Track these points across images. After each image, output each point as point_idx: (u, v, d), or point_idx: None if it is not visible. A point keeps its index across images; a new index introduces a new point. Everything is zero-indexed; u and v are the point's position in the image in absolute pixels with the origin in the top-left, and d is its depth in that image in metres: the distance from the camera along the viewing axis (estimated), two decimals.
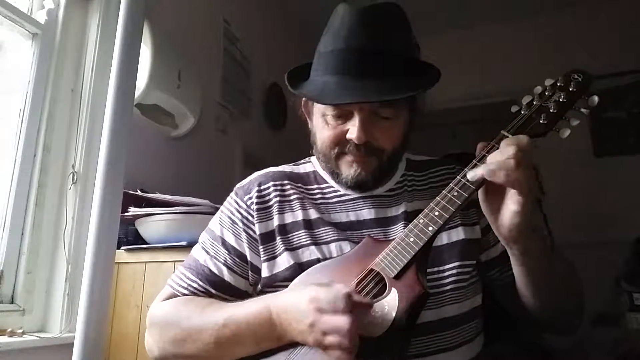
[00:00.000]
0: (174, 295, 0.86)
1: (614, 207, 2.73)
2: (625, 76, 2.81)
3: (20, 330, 1.19)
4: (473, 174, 0.70)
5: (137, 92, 1.49)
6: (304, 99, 0.91)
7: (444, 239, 0.83)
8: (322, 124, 0.85)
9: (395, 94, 0.79)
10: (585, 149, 2.85)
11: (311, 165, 0.97)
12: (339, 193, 0.90)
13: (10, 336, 1.16)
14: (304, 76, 0.89)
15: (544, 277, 0.76)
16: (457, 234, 0.85)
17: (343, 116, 0.82)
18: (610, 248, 2.46)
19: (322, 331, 0.64)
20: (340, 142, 0.83)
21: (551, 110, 0.74)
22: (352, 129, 0.80)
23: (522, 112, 0.76)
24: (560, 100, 0.74)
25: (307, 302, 0.66)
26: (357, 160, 0.83)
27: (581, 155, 2.79)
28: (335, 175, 0.87)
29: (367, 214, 0.87)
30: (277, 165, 0.97)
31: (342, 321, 0.62)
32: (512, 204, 0.67)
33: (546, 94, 0.76)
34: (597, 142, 2.86)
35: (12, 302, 1.26)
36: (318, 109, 0.86)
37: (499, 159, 0.67)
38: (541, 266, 0.75)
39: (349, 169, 0.84)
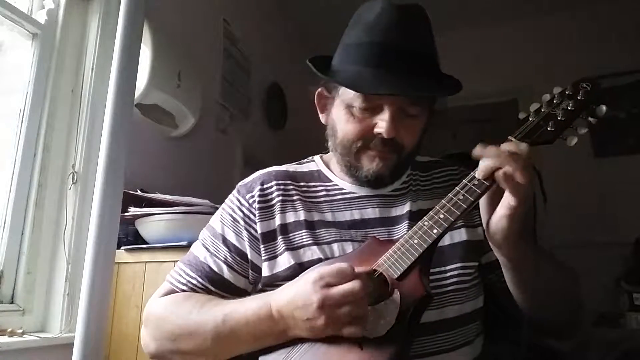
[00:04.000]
0: (172, 291, 0.86)
1: (614, 207, 2.73)
2: (624, 76, 2.80)
3: (20, 330, 1.19)
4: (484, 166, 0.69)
5: (137, 92, 1.49)
6: (319, 89, 0.91)
7: (446, 239, 0.83)
8: (346, 116, 0.84)
9: (434, 91, 0.81)
10: (585, 149, 2.85)
11: (314, 164, 0.97)
12: (344, 191, 0.90)
13: (10, 336, 1.16)
14: (323, 67, 0.87)
15: (532, 284, 0.77)
16: (460, 235, 0.85)
17: (370, 109, 0.82)
18: (610, 248, 2.46)
19: (334, 305, 0.64)
20: (365, 136, 0.83)
21: (559, 118, 0.74)
22: (382, 124, 0.80)
23: (530, 119, 0.76)
24: (569, 108, 0.74)
25: (312, 283, 0.66)
26: (380, 155, 0.83)
27: (581, 155, 2.79)
28: (354, 169, 0.86)
29: (371, 212, 0.87)
30: (278, 165, 0.97)
31: (353, 285, 0.64)
32: (502, 207, 0.68)
33: (554, 101, 0.76)
34: (597, 142, 2.86)
35: (12, 302, 1.26)
36: (343, 100, 0.84)
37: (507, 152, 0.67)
38: (527, 274, 0.75)
39: (370, 162, 0.84)
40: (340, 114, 0.85)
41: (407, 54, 0.80)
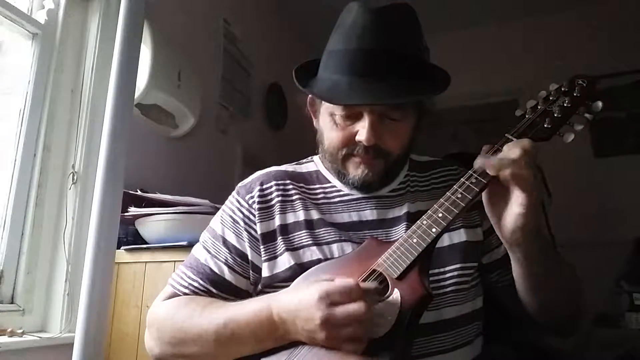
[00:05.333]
0: (174, 295, 0.86)
1: (614, 207, 2.73)
2: (624, 76, 2.80)
3: (20, 330, 1.19)
4: (480, 163, 0.70)
5: (137, 92, 1.49)
6: (310, 96, 0.91)
7: (445, 240, 0.83)
8: (330, 123, 0.84)
9: (406, 96, 0.80)
10: (585, 149, 2.85)
11: (313, 164, 0.97)
12: (341, 193, 0.90)
13: (10, 336, 1.16)
14: (311, 73, 0.88)
15: (544, 281, 0.76)
16: (459, 236, 0.85)
17: (352, 117, 0.82)
18: (610, 248, 2.46)
19: (337, 325, 0.63)
20: (348, 144, 0.83)
21: (555, 115, 0.74)
22: (362, 131, 0.80)
23: (527, 116, 0.76)
24: (565, 105, 0.74)
25: (317, 300, 0.65)
26: (365, 161, 0.83)
27: (581, 155, 2.78)
28: (342, 175, 0.87)
29: (369, 214, 0.87)
30: (277, 165, 0.97)
31: (359, 307, 0.62)
32: (516, 205, 0.67)
33: (550, 98, 0.76)
34: (596, 142, 2.86)
35: (12, 302, 1.26)
36: (326, 108, 0.85)
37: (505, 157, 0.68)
38: (542, 269, 0.75)
39: (356, 169, 0.84)
40: (326, 121, 0.86)
41: (383, 59, 0.79)
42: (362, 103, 0.79)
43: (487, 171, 0.69)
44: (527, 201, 0.66)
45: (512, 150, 0.68)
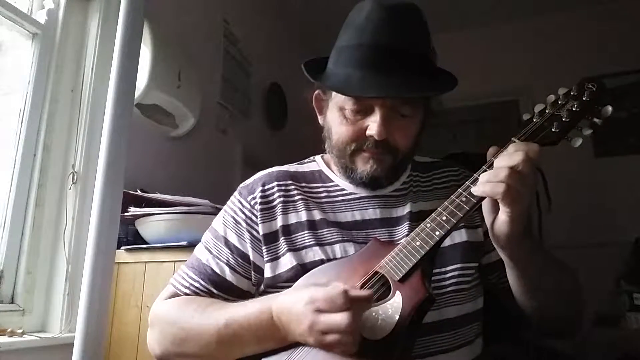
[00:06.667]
0: (176, 295, 0.86)
1: (614, 207, 2.73)
2: (625, 76, 2.80)
3: (20, 330, 1.19)
4: (475, 190, 0.70)
5: (137, 92, 1.49)
6: (316, 92, 0.91)
7: (446, 240, 0.83)
8: (339, 118, 0.84)
9: (420, 91, 0.81)
10: (585, 149, 2.85)
11: (316, 164, 0.97)
12: (344, 192, 0.90)
13: (10, 336, 1.16)
14: (318, 69, 0.88)
15: (537, 282, 0.76)
16: (460, 236, 0.85)
17: (362, 111, 0.82)
18: (610, 248, 2.46)
19: (321, 331, 0.64)
20: (358, 138, 0.83)
21: (563, 119, 0.73)
22: (373, 125, 0.80)
23: (534, 120, 0.75)
24: (573, 109, 0.74)
25: (304, 304, 0.66)
26: (374, 156, 0.83)
27: (581, 155, 2.78)
28: (350, 170, 0.86)
29: (372, 213, 0.87)
30: (277, 165, 0.97)
31: (340, 318, 0.62)
32: (502, 213, 0.68)
33: (559, 102, 0.76)
34: (597, 142, 2.86)
35: (12, 302, 1.26)
36: (336, 102, 0.85)
37: (488, 177, 0.67)
38: (532, 272, 0.75)
39: (365, 164, 0.84)
40: (334, 116, 0.85)
41: (397, 54, 0.80)
42: (378, 95, 0.79)
43: (474, 194, 0.69)
44: (510, 211, 0.66)
45: (499, 169, 0.66)
